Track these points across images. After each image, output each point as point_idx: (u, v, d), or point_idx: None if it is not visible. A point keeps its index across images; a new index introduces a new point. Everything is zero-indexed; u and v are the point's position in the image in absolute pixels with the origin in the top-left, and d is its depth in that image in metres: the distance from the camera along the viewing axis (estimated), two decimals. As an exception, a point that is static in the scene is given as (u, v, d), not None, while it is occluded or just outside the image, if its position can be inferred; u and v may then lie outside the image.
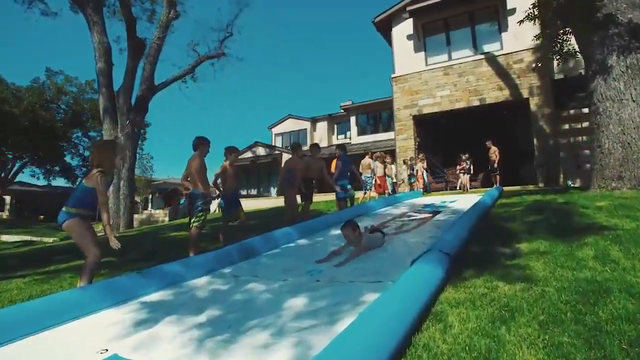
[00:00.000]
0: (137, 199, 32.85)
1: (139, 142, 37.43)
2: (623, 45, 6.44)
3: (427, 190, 13.40)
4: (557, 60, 9.07)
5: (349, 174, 7.99)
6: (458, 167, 13.13)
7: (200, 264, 3.47)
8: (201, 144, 4.74)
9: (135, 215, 20.22)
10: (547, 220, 4.22)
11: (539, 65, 12.29)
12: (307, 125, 28.60)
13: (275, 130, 30.32)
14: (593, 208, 4.70)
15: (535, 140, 12.33)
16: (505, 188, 11.95)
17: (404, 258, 3.10)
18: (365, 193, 9.94)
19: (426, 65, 14.35)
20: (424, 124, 15.39)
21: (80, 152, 35.08)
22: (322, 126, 28.53)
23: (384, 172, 10.69)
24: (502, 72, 12.97)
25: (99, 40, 15.16)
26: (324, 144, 26.21)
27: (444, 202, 8.07)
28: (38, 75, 31.32)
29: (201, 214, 4.40)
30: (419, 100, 14.24)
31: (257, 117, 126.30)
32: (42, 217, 29.66)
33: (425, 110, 14.10)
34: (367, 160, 10.47)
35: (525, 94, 12.54)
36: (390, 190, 11.07)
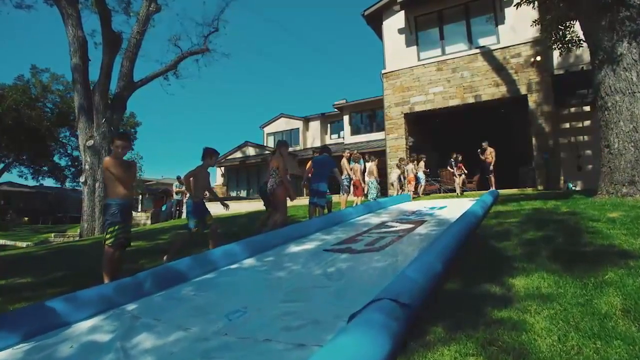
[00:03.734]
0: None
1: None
2: (635, 30, 5.59)
3: (417, 193, 12.56)
4: (559, 49, 8.19)
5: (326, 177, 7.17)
6: (451, 169, 12.27)
7: (92, 299, 2.61)
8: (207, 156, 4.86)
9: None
10: (550, 240, 3.36)
11: (538, 59, 11.46)
12: (299, 124, 27.82)
13: (267, 129, 29.54)
14: (605, 221, 3.86)
15: (533, 140, 11.50)
16: (502, 191, 11.11)
17: (355, 298, 2.25)
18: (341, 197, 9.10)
19: (418, 60, 13.51)
20: (416, 122, 14.56)
21: (69, 152, 34.28)
22: (315, 125, 27.74)
23: (361, 173, 9.78)
24: (498, 68, 12.14)
25: (74, 34, 14.31)
26: (316, 143, 25.41)
27: (433, 208, 7.23)
28: (22, 73, 30.31)
29: (112, 228, 3.53)
30: (411, 98, 13.39)
31: (250, 116, 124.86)
32: (26, 218, 28.71)
33: (417, 108, 13.26)
34: (343, 161, 9.63)
35: (523, 90, 11.70)
36: (373, 196, 10.21)
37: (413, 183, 12.17)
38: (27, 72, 29.76)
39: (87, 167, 14.38)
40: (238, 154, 25.39)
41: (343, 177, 9.10)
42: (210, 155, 4.91)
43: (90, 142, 14.36)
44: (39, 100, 29.83)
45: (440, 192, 13.60)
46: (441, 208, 7.03)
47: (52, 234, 16.28)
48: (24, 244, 16.12)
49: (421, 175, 13.02)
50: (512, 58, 11.97)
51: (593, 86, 6.49)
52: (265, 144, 27.64)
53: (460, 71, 12.64)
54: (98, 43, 14.43)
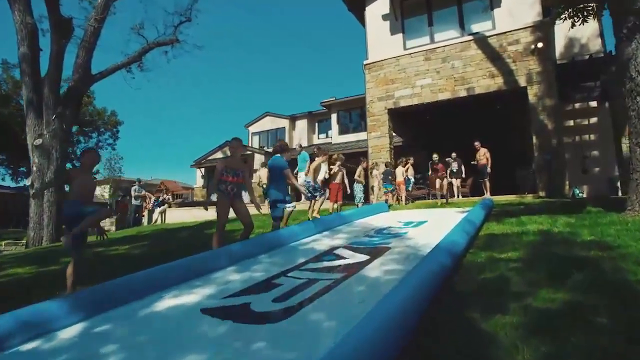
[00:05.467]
0: (109, 201, 30.43)
1: (113, 142, 35.14)
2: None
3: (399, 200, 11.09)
4: (570, 18, 6.53)
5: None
6: (434, 173, 10.77)
7: None
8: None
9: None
10: (582, 315, 1.84)
11: (540, 46, 9.96)
12: (285, 123, 26.45)
13: (252, 129, 28.17)
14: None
15: (534, 138, 9.99)
16: (497, 198, 9.62)
17: None
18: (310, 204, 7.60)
19: (404, 49, 12.01)
20: (403, 119, 13.07)
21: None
22: (301, 125, 26.36)
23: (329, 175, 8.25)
24: (494, 56, 10.64)
25: (21, 20, 12.78)
26: (303, 143, 23.96)
27: (408, 224, 5.72)
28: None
29: None
30: (396, 91, 11.89)
31: (234, 115, 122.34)
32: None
33: (403, 103, 11.75)
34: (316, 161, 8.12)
35: (522, 81, 10.20)
36: (359, 201, 8.68)
37: (403, 187, 10.71)
38: (-4, 67, 28.21)
39: (34, 168, 12.86)
40: (219, 154, 24.03)
41: (306, 180, 7.62)
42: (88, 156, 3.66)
43: (39, 141, 12.83)
44: (11, 97, 28.25)
45: (428, 198, 12.11)
46: (419, 224, 5.52)
47: (3, 243, 14.71)
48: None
49: (410, 179, 11.57)
50: (510, 45, 10.47)
51: (617, 65, 4.95)
52: (249, 144, 26.26)
53: (451, 61, 11.14)
54: (46, 30, 12.89)
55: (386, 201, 10.31)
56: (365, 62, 12.58)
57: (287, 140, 25.33)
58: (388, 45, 12.22)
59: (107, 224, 16.82)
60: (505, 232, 4.03)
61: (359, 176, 8.41)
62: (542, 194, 9.60)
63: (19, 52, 12.86)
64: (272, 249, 4.23)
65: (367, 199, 10.86)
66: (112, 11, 14.23)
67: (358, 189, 8.35)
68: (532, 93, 10.05)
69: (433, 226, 5.32)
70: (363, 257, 3.62)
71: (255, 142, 26.75)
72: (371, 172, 10.12)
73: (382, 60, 12.23)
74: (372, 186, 10.36)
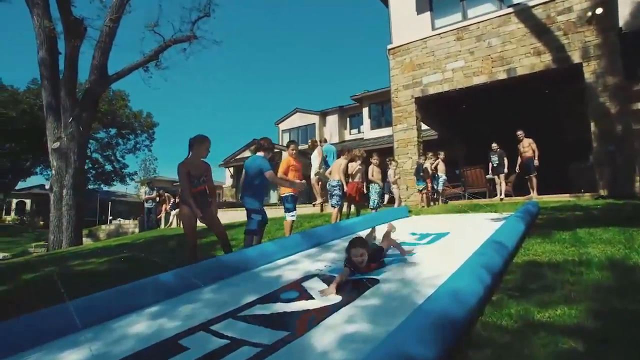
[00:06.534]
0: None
1: (149, 143, 35.93)
2: None
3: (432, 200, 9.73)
4: None
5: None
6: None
7: None
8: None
9: (103, 226, 17.87)
10: None
11: (598, 12, 8.17)
12: (315, 119, 25.53)
13: (282, 126, 27.53)
14: None
15: (592, 126, 8.24)
16: (546, 199, 8.03)
17: None
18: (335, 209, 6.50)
19: (433, 29, 10.54)
20: (434, 109, 11.61)
21: (88, 154, 33.90)
22: (332, 120, 25.33)
23: (354, 174, 7.08)
24: (540, 30, 8.94)
25: (39, 24, 12.76)
26: (334, 140, 22.93)
27: (424, 237, 4.47)
28: (36, 77, 30.32)
29: None
30: (423, 77, 10.47)
31: (264, 113, 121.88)
32: (42, 222, 28.58)
33: (432, 90, 10.30)
34: (339, 161, 7.02)
35: (576, 57, 8.46)
36: (374, 204, 7.46)
37: (430, 186, 9.39)
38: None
39: (53, 172, 12.81)
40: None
41: (335, 181, 6.53)
42: None
43: (57, 145, 12.74)
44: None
45: (465, 198, 10.60)
46: (436, 239, 4.26)
47: (33, 244, 14.94)
48: (0, 255, 15.00)
49: (441, 176, 10.17)
50: (560, 15, 8.74)
51: None
52: (279, 142, 25.57)
53: (487, 38, 9.55)
54: (60, 32, 12.74)
55: (422, 201, 9.03)
56: (389, 47, 11.25)
57: (317, 136, 24.40)
58: (414, 27, 10.80)
59: (132, 225, 16.72)
60: (553, 261, 2.72)
61: (372, 176, 7.18)
62: (603, 192, 7.86)
63: (38, 56, 12.84)
64: (227, 277, 3.19)
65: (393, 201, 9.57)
66: (127, 10, 13.87)
67: (373, 190, 7.14)
68: (589, 70, 8.28)
69: (453, 242, 4.05)
70: (320, 305, 2.48)
71: (285, 140, 26.01)
72: (388, 169, 8.83)
73: (407, 44, 10.84)
74: (392, 186, 9.03)
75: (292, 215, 5.56)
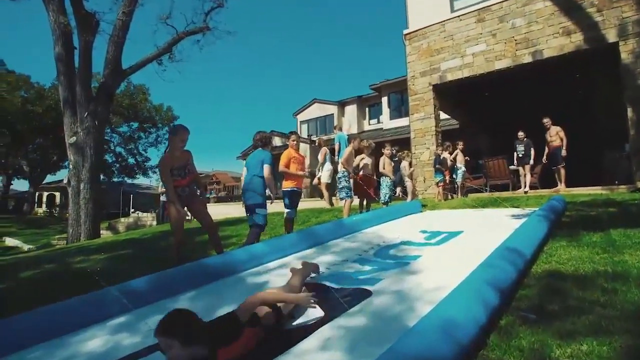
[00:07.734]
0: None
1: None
2: None
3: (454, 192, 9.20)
4: None
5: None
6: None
7: None
8: None
9: (123, 219, 18.11)
10: None
11: (637, -15, 7.37)
12: (334, 110, 25.06)
13: (300, 117, 27.15)
14: None
15: (629, 111, 7.49)
16: (574, 191, 7.39)
17: None
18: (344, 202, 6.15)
19: (452, 11, 9.89)
20: (455, 97, 10.99)
21: (112, 148, 34.66)
22: (351, 110, 24.81)
23: (368, 166, 6.67)
24: (569, 7, 8.19)
25: (55, 20, 12.83)
26: (353, 130, 22.45)
27: (434, 235, 4.06)
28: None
29: None
30: (442, 63, 9.86)
31: (282, 104, 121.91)
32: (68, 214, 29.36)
33: (450, 76, 9.70)
34: (347, 149, 6.63)
35: (611, 36, 7.69)
36: (385, 199, 7.02)
37: (448, 178, 8.89)
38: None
39: (70, 166, 12.97)
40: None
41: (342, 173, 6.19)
42: None
43: (73, 139, 12.86)
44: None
45: (487, 191, 10.01)
46: (447, 239, 3.84)
47: (57, 237, 15.29)
48: (26, 247, 15.44)
49: (460, 167, 9.58)
50: (593, -10, 7.96)
51: None
52: (299, 133, 25.23)
53: (511, 19, 8.85)
54: (74, 27, 12.76)
55: (439, 194, 8.54)
56: (405, 32, 10.66)
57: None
58: (431, 9, 10.17)
59: (149, 219, 16.87)
60: (580, 272, 2.26)
61: (384, 168, 6.74)
62: (640, 184, 7.16)
63: (54, 52, 12.94)
64: (209, 282, 2.90)
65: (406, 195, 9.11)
66: (140, 2, 13.78)
67: (384, 184, 6.71)
68: (627, 50, 7.50)
69: (465, 244, 3.63)
70: (314, 314, 2.16)
71: (304, 131, 25.67)
72: (402, 162, 8.35)
73: (424, 28, 10.24)
74: (405, 180, 8.55)
75: (291, 213, 5.28)
